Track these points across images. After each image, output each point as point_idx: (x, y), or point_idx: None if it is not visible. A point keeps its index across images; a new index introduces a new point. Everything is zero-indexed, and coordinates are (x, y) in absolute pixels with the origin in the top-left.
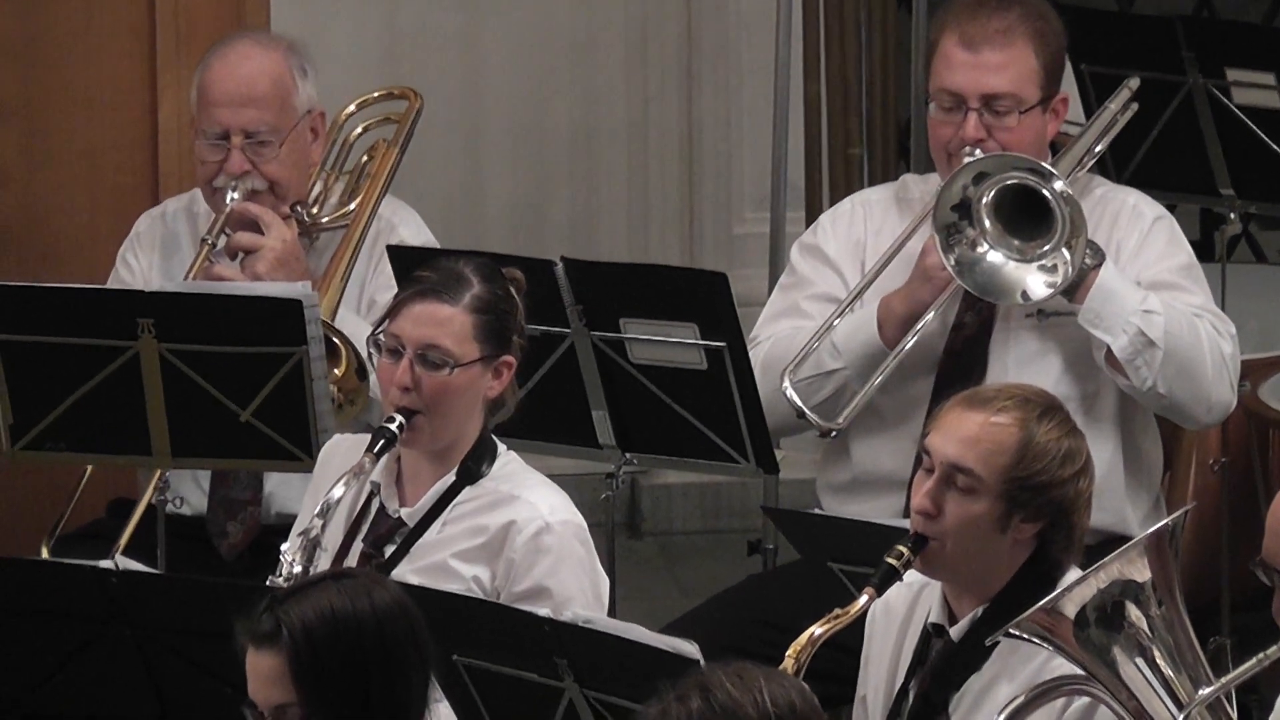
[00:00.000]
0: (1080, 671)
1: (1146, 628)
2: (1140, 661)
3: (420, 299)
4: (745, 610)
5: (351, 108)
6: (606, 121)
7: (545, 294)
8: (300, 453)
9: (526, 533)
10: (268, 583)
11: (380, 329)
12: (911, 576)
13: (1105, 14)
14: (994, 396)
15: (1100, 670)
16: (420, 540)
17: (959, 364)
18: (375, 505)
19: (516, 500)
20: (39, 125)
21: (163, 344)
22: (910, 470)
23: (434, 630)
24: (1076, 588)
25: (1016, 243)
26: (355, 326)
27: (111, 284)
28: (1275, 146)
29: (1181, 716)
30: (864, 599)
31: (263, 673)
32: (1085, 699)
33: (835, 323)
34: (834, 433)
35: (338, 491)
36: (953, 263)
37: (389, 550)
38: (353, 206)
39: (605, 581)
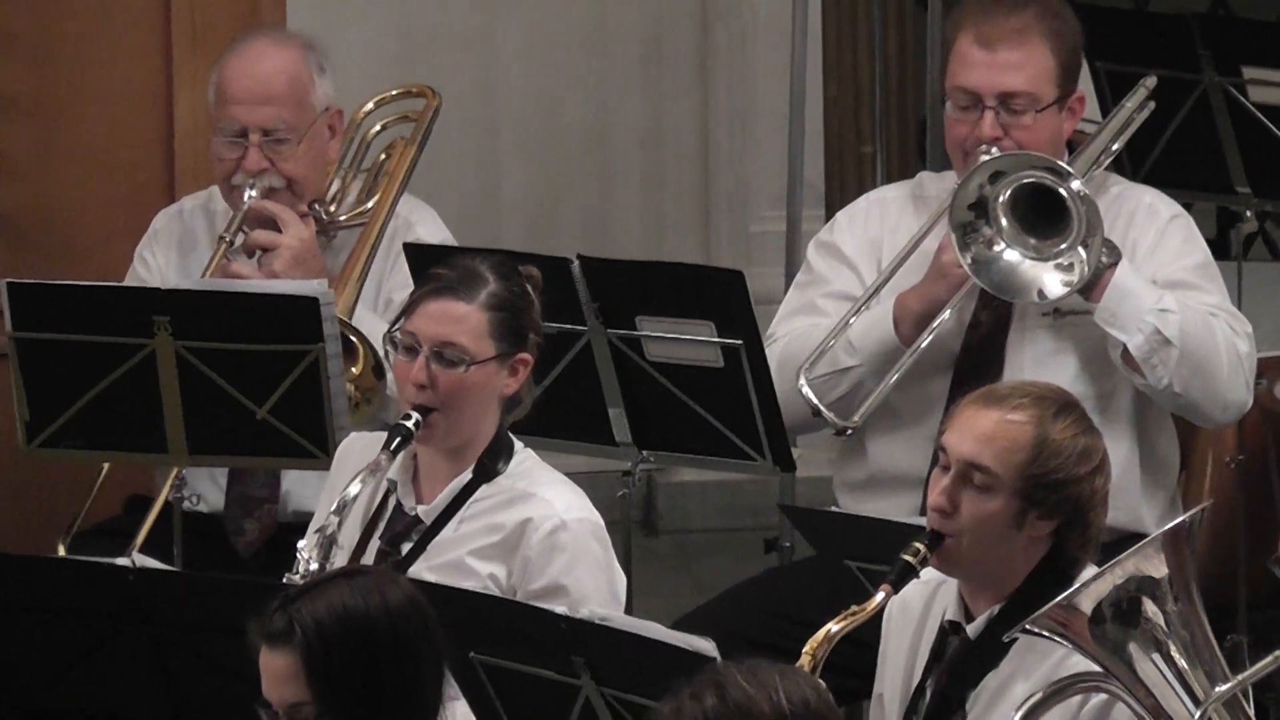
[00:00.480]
0: (1097, 668)
1: (1163, 624)
2: (1156, 657)
3: (436, 296)
4: (761, 605)
5: (369, 105)
6: (622, 119)
7: (562, 292)
8: (317, 450)
9: (543, 530)
10: (284, 580)
11: (396, 326)
12: (928, 574)
13: (1121, 12)
14: (1010, 394)
15: (1116, 666)
16: (437, 538)
17: (975, 362)
18: (392, 503)
19: (533, 498)
20: (54, 123)
21: (179, 341)
22: (927, 468)
23: (450, 628)
24: (1093, 584)
25: (1033, 241)
26: (372, 325)
27: (129, 281)
28: None
29: (1198, 713)
30: (880, 596)
31: (276, 672)
32: (1102, 696)
33: (851, 320)
34: (849, 430)
35: (354, 489)
36: (969, 261)
37: (405, 548)
38: (370, 205)
39: (622, 579)
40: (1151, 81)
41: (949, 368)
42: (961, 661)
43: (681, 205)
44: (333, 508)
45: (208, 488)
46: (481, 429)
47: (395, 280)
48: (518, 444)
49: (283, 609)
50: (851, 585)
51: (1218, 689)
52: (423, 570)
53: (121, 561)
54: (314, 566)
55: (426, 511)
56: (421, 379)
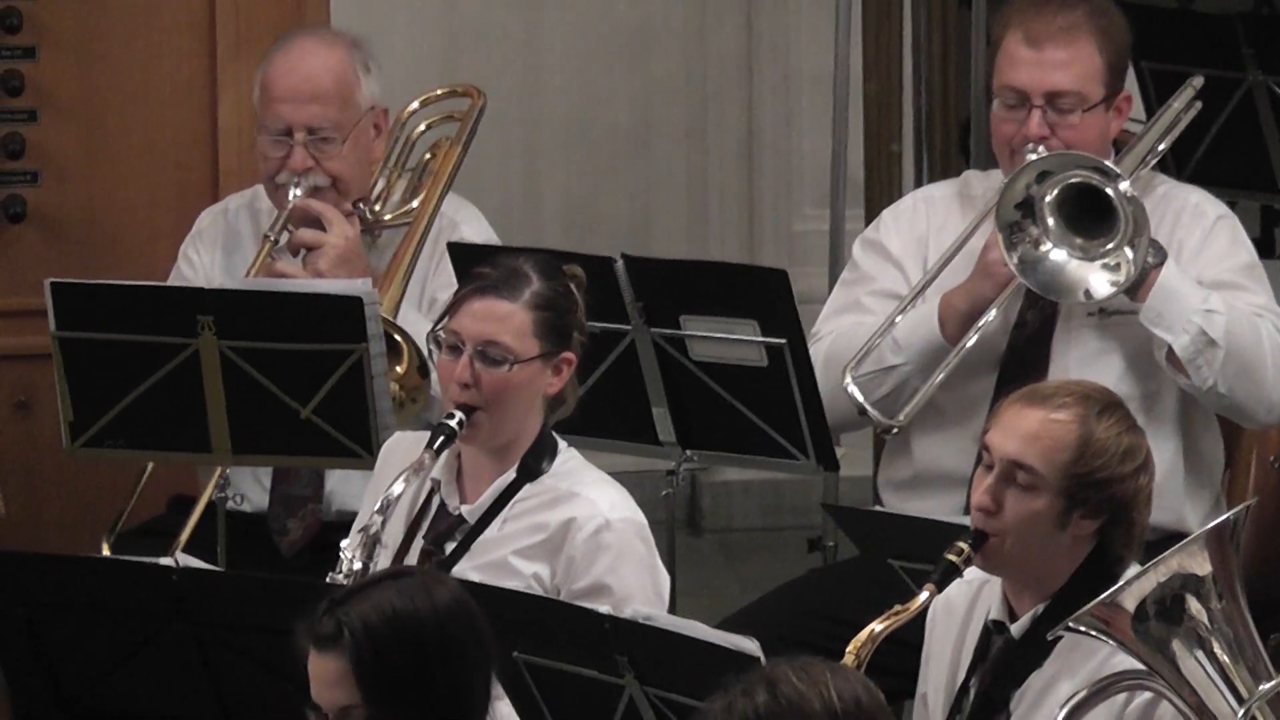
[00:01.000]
0: (1141, 666)
1: (1207, 621)
2: (1200, 655)
3: (480, 295)
4: (805, 605)
5: (415, 105)
6: (665, 119)
7: (605, 291)
8: (361, 450)
9: (587, 530)
10: (328, 580)
11: (440, 325)
12: (972, 573)
13: (1165, 11)
14: (1054, 393)
15: (1160, 664)
16: (481, 537)
17: (1020, 362)
18: (436, 502)
19: (577, 497)
20: (99, 122)
21: (223, 341)
22: (971, 467)
23: (494, 628)
24: (1136, 581)
25: (1079, 241)
26: (417, 324)
27: (173, 281)
28: None
29: (1242, 711)
30: (924, 595)
31: (325, 675)
32: (1147, 694)
33: (897, 318)
34: (894, 429)
35: (398, 488)
36: (1015, 261)
37: (449, 547)
38: (415, 204)
39: (666, 578)
40: (1199, 81)
41: (994, 367)
42: (1005, 661)
43: (725, 204)
44: (376, 507)
45: (251, 487)
46: (525, 428)
47: (440, 279)
48: (561, 443)
49: (331, 612)
50: (895, 585)
51: (1262, 686)
52: (466, 570)
53: (165, 561)
54: (358, 566)
55: (470, 511)
56: (465, 378)
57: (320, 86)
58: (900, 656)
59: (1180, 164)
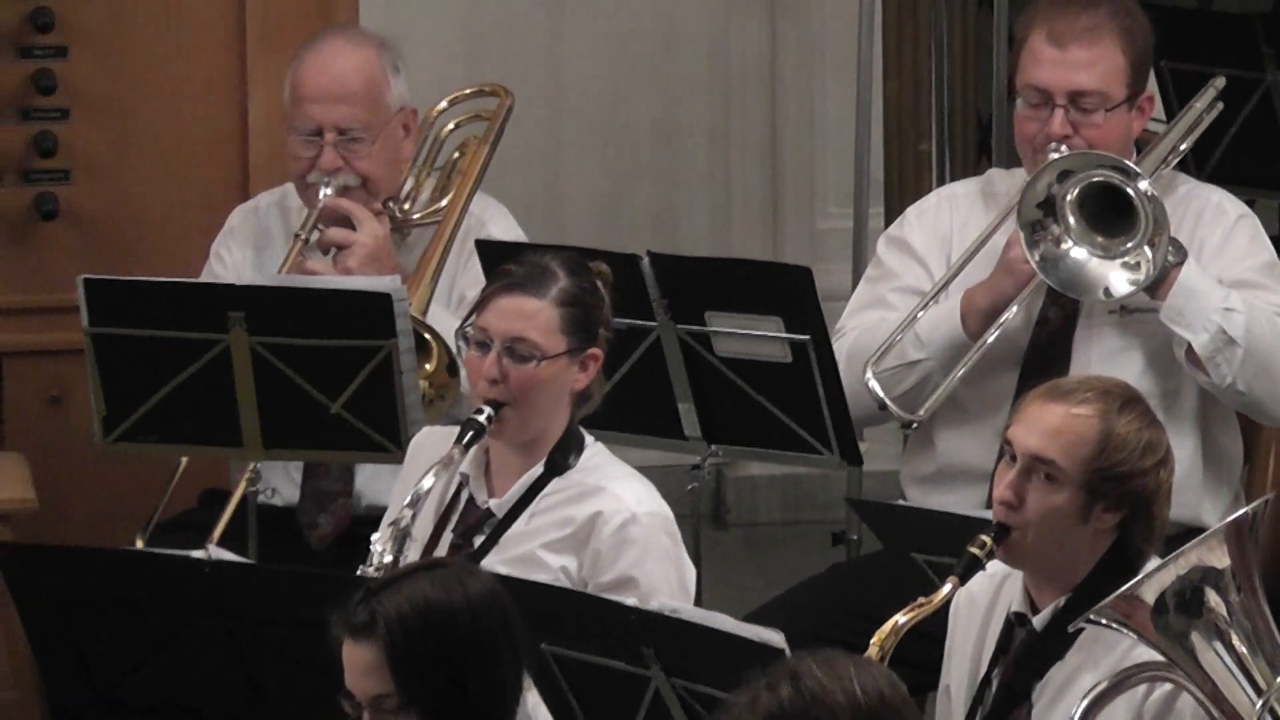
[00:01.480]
0: (1161, 658)
1: (1225, 614)
2: (1219, 646)
3: (508, 292)
4: (829, 598)
5: (443, 104)
6: (689, 118)
7: (631, 288)
8: (390, 445)
9: (613, 524)
10: (358, 573)
11: (469, 322)
12: (994, 567)
13: (1186, 11)
14: (1075, 389)
15: (1179, 656)
16: (509, 531)
17: (1043, 358)
18: (464, 496)
19: (603, 492)
20: (129, 121)
21: (254, 337)
22: (993, 462)
23: (524, 619)
24: (1156, 574)
25: (1100, 239)
26: (446, 322)
27: (205, 278)
28: None
29: (1260, 703)
30: (947, 588)
31: (359, 664)
32: (1167, 686)
33: (919, 314)
34: (915, 424)
35: (427, 482)
36: (1037, 259)
37: (478, 540)
38: (444, 203)
39: (691, 571)
40: (1221, 82)
41: (1017, 363)
42: (1027, 653)
43: (749, 202)
44: (406, 501)
45: (283, 482)
46: (552, 423)
47: (468, 277)
48: (588, 438)
49: (365, 602)
50: (918, 578)
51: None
52: (495, 563)
53: (198, 554)
54: (388, 559)
55: (499, 505)
56: (493, 374)
57: (349, 87)
58: (923, 649)
59: (1200, 163)
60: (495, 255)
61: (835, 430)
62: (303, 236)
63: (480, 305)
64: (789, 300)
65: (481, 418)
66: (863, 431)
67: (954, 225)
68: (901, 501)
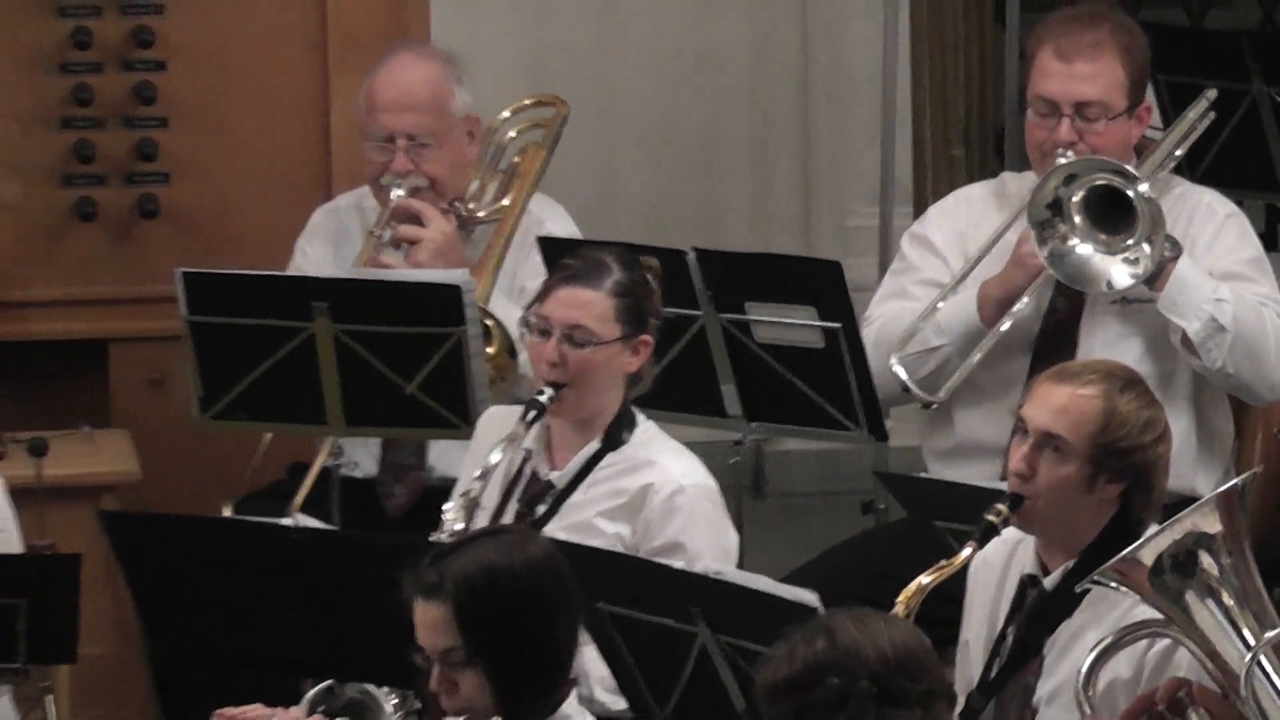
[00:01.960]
0: (1160, 616)
1: (1217, 574)
2: (1211, 604)
3: (566, 284)
4: (858, 562)
5: (505, 113)
6: (730, 126)
7: (678, 280)
8: (460, 422)
9: (663, 494)
10: (431, 539)
11: (531, 310)
12: (1009, 533)
13: (1179, 29)
14: (1081, 371)
15: (1176, 613)
16: (568, 501)
17: (1052, 344)
18: (528, 469)
19: (654, 465)
20: (222, 128)
21: (336, 324)
22: (1008, 438)
23: (581, 581)
24: (1154, 539)
25: (1103, 237)
26: (506, 310)
27: (290, 271)
28: None
29: (1249, 655)
30: (966, 551)
31: (429, 621)
32: (1165, 640)
33: (939, 304)
34: (935, 404)
35: (494, 457)
36: (1046, 254)
37: (540, 510)
38: (505, 202)
39: (734, 537)
40: (1212, 94)
41: (1028, 348)
42: (1039, 611)
43: (785, 203)
44: (475, 474)
45: (362, 456)
46: (607, 403)
47: (528, 270)
48: (640, 416)
49: (435, 565)
50: (940, 543)
51: (1268, 633)
52: (555, 530)
53: (284, 522)
54: (458, 526)
55: (559, 477)
56: (554, 358)
57: (418, 98)
58: (945, 607)
59: (1193, 167)
60: (555, 250)
61: (864, 409)
62: (377, 233)
63: (542, 295)
64: (821, 291)
65: (543, 398)
66: (888, 410)
67: (970, 223)
68: (924, 474)
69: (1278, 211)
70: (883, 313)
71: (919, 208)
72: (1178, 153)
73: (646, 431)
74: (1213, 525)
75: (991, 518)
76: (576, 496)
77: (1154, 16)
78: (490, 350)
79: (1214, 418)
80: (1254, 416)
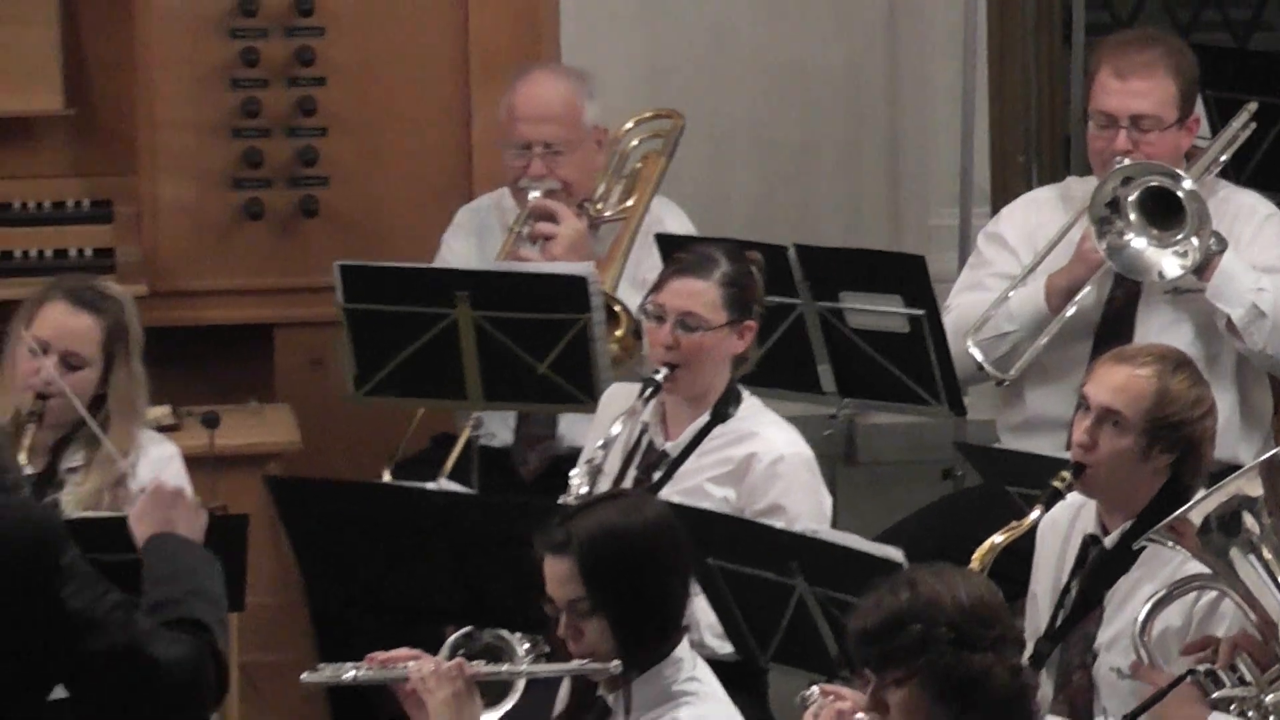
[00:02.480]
0: (1207, 571)
1: (1259, 533)
2: (1253, 559)
3: (680, 275)
4: (939, 523)
5: (629, 125)
6: (826, 135)
7: (779, 272)
8: (586, 397)
9: (765, 462)
10: (559, 501)
11: (649, 299)
12: (1072, 497)
13: (1225, 50)
14: (1137, 354)
15: (1221, 568)
16: (681, 468)
17: (1111, 329)
18: (645, 440)
19: (757, 436)
20: (375, 137)
21: (476, 311)
22: (1072, 413)
23: (692, 539)
24: (1202, 501)
25: (1155, 232)
26: (631, 298)
27: (436, 264)
28: None
29: None
30: (1035, 514)
31: (557, 575)
32: (1212, 593)
33: (1010, 294)
34: (1005, 382)
35: (616, 429)
36: (1105, 248)
37: (656, 476)
38: (629, 203)
39: (828, 500)
40: (1253, 106)
41: (1090, 333)
42: (1100, 567)
43: (875, 203)
44: (599, 443)
45: (500, 427)
46: (716, 381)
47: (648, 263)
48: (745, 393)
49: (562, 524)
50: (1011, 506)
51: None
52: (669, 494)
53: (430, 486)
54: (584, 490)
55: (673, 447)
56: (668, 341)
57: (553, 110)
58: (1015, 564)
59: (1238, 172)
60: (671, 245)
61: (944, 386)
62: (515, 230)
63: (658, 285)
64: (907, 282)
65: (659, 377)
66: (966, 388)
67: (1039, 222)
68: (997, 445)
69: None
70: (961, 302)
71: (994, 208)
72: (1222, 159)
73: (751, 406)
74: (1255, 489)
75: (1057, 484)
76: (688, 464)
77: (1203, 39)
78: (618, 333)
79: (1255, 394)
80: None
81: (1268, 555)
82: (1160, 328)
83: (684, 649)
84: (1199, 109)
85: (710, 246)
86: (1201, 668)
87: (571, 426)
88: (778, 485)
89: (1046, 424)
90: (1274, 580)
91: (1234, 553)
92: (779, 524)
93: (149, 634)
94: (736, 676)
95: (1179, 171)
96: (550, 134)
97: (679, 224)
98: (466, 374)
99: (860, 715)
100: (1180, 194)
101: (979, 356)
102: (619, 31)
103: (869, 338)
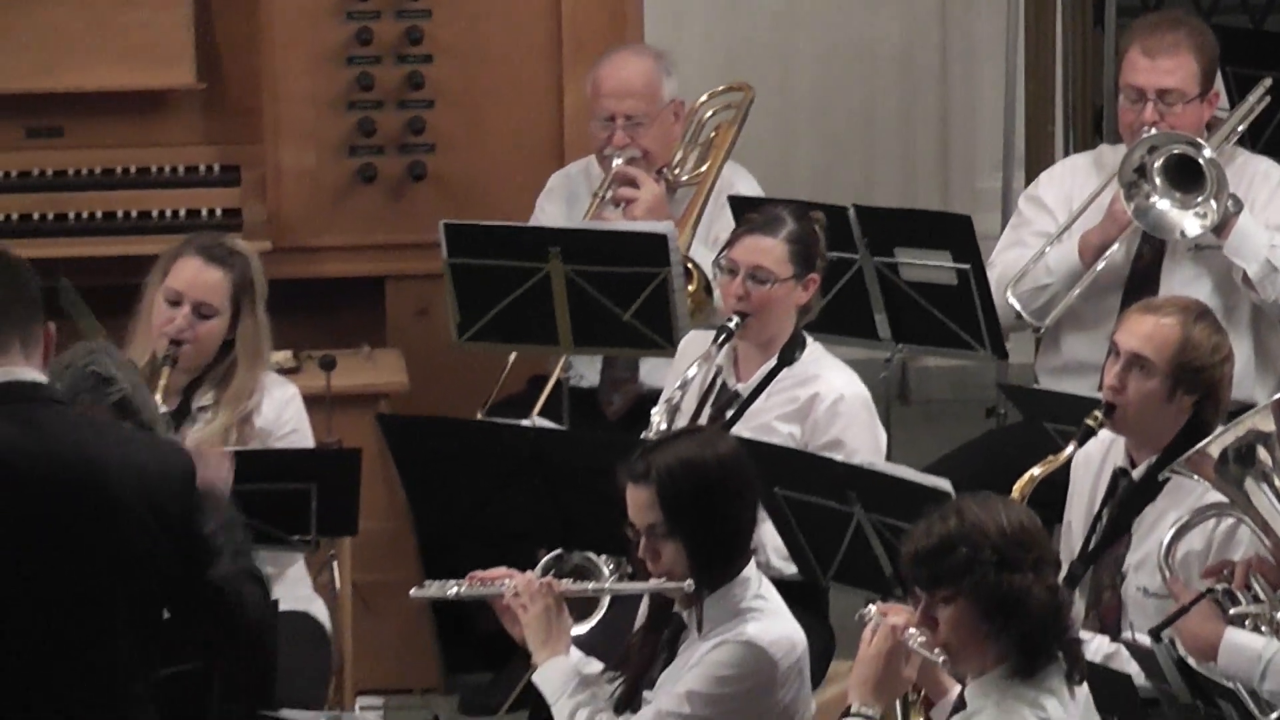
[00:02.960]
0: (1225, 500)
1: (1271, 465)
2: (1266, 489)
3: (750, 233)
4: (984, 456)
5: (704, 98)
6: (883, 106)
7: (840, 231)
8: (665, 343)
9: (827, 401)
10: (641, 437)
11: (721, 255)
12: (1104, 434)
13: (1243, 30)
14: (1163, 305)
15: (1237, 497)
16: (751, 407)
17: (1139, 282)
18: (719, 382)
19: (819, 378)
20: (479, 111)
21: (567, 265)
22: (1104, 358)
23: (761, 471)
24: (1220, 436)
25: (1179, 195)
26: (704, 255)
27: (531, 223)
28: None
29: None
30: (1070, 449)
31: (638, 502)
32: (1230, 520)
33: (1048, 251)
34: (1042, 329)
35: (692, 371)
36: (1133, 209)
37: (728, 414)
38: (703, 169)
39: (883, 436)
40: (1268, 82)
41: (1120, 286)
42: (1128, 497)
43: (927, 168)
44: (677, 385)
45: (587, 369)
46: (783, 329)
47: (720, 223)
48: (809, 339)
49: (643, 456)
50: (1049, 442)
51: None
52: (740, 430)
53: (525, 423)
54: (664, 427)
55: (744, 388)
56: (739, 293)
57: (635, 86)
58: (1052, 494)
59: (1254, 140)
60: (741, 207)
61: (988, 333)
62: (600, 194)
63: (730, 243)
64: (955, 239)
65: (731, 325)
66: (1008, 334)
67: (1074, 186)
68: (1036, 386)
69: None
70: (1003, 258)
71: (1033, 173)
72: (1240, 129)
73: (814, 351)
74: (1268, 425)
75: (1090, 422)
76: (758, 403)
77: (1223, 20)
78: (691, 288)
79: (1270, 341)
80: None
81: None
82: (1183, 281)
83: (751, 569)
84: (1219, 84)
85: (778, 207)
86: (1219, 587)
87: (652, 370)
88: (838, 422)
89: (1081, 367)
90: None
91: (1249, 483)
92: (839, 457)
93: (246, 572)
94: (799, 595)
95: (1200, 140)
96: (631, 107)
97: (749, 187)
98: (558, 322)
99: (912, 630)
100: (1201, 161)
101: (1018, 306)
102: (696, 14)
103: (921, 289)
